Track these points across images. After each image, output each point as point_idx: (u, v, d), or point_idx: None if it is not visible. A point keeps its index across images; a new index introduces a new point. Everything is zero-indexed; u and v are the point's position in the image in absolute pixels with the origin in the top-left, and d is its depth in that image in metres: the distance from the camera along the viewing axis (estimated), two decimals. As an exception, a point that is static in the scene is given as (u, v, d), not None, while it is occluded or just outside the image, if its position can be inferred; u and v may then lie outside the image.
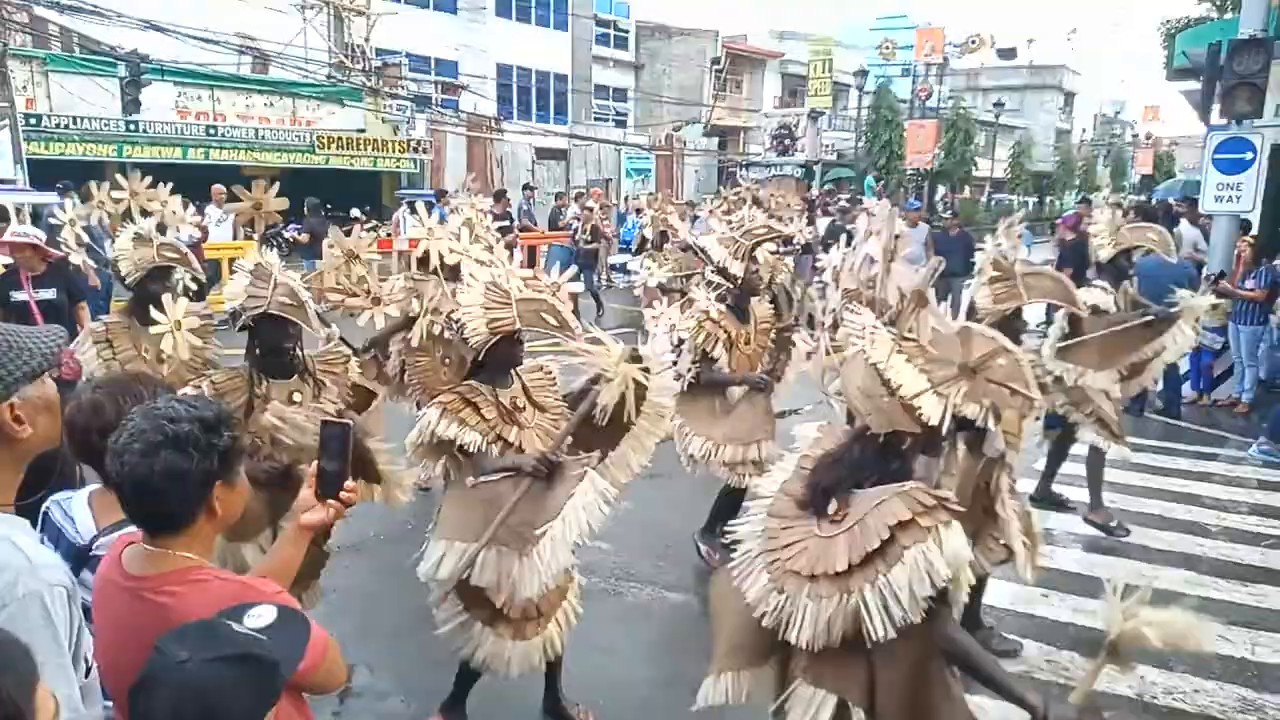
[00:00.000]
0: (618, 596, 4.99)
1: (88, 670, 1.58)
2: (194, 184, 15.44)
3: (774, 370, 5.33)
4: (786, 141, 33.59)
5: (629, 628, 4.67)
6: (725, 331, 5.01)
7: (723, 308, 5.06)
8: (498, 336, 3.22)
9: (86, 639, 1.59)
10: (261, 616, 1.57)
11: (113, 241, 12.21)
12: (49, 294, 6.00)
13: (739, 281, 5.05)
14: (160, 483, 1.65)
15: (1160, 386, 9.30)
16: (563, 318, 3.29)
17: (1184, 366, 9.60)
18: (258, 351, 3.57)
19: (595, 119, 32.04)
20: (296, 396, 3.59)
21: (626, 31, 34.15)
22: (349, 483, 1.99)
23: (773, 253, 5.77)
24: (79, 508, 2.14)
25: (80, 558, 2.05)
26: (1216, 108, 10.05)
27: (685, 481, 5.45)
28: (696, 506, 5.46)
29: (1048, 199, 48.32)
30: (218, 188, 13.60)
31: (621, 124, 33.91)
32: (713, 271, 5.17)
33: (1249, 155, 9.42)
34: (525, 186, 20.60)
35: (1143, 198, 23.31)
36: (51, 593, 1.49)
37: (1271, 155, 9.91)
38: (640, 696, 4.02)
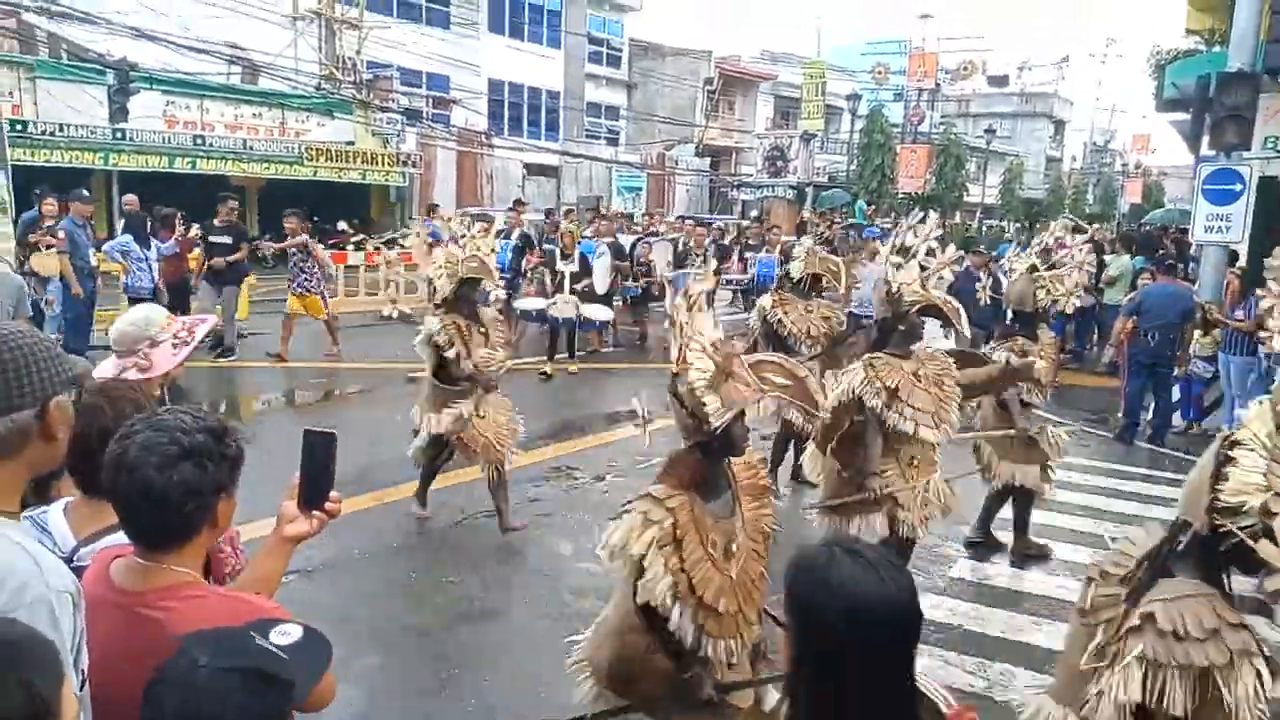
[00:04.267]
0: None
1: (82, 683, 1.52)
2: (181, 193, 15.44)
3: None
4: (779, 163, 33.73)
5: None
6: None
7: None
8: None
9: (84, 651, 1.55)
10: (289, 634, 1.56)
11: (97, 249, 11.91)
12: None
13: None
14: (177, 496, 1.63)
15: (1151, 415, 9.30)
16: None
17: (1175, 395, 9.59)
18: (701, 472, 2.34)
19: (587, 136, 32.11)
20: (734, 546, 2.44)
21: (619, 50, 34.28)
22: (333, 493, 1.95)
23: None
24: (55, 520, 2.07)
25: None
26: (1205, 139, 10.11)
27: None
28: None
29: (1037, 226, 48.69)
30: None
31: (613, 142, 33.99)
32: None
33: (1238, 186, 9.49)
34: (516, 202, 20.58)
35: (1134, 226, 23.50)
36: (59, 599, 1.46)
37: (1259, 187, 9.97)
38: None
